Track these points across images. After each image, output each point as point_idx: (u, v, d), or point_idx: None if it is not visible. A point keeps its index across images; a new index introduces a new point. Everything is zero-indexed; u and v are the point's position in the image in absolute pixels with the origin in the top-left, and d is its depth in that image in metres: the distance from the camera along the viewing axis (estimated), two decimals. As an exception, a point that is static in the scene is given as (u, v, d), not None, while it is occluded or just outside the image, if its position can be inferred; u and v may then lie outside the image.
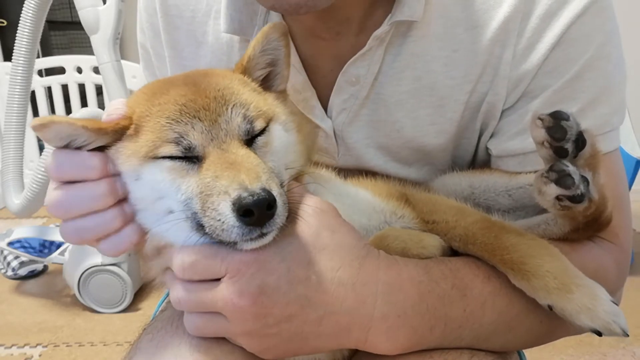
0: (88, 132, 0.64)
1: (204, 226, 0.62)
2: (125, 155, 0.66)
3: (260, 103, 0.70)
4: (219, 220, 0.60)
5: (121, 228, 0.67)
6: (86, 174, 0.65)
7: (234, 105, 0.66)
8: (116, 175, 0.67)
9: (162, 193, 0.65)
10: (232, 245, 0.63)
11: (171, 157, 0.64)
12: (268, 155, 0.68)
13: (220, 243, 0.63)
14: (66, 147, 0.66)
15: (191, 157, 0.64)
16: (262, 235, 0.62)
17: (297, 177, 0.73)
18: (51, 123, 0.62)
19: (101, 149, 0.67)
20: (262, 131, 0.68)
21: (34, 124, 0.62)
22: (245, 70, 0.73)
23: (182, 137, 0.64)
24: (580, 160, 0.69)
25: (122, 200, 0.67)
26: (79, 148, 0.66)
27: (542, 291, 0.67)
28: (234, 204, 0.58)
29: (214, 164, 0.62)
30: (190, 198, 0.63)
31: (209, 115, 0.65)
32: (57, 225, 2.99)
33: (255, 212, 0.58)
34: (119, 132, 0.66)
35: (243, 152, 0.64)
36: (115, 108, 0.67)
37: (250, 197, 0.58)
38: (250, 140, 0.67)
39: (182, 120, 0.64)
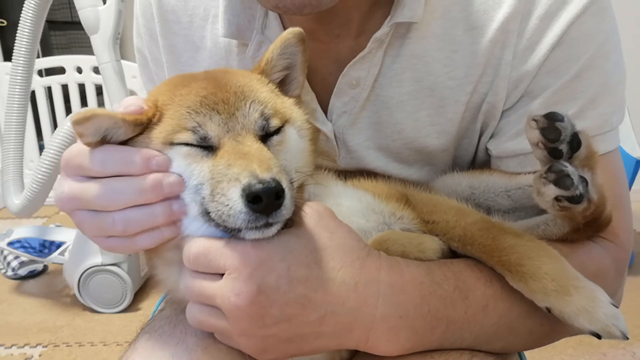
0: (127, 124, 0.66)
1: (209, 213, 0.63)
2: (147, 143, 0.67)
3: (278, 104, 0.72)
4: (227, 205, 0.61)
5: (165, 224, 0.67)
6: (131, 169, 0.66)
7: (252, 101, 0.69)
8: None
9: None
10: (236, 233, 0.63)
11: (187, 144, 0.66)
12: (281, 153, 0.70)
13: (225, 231, 0.64)
14: (100, 142, 0.66)
15: (206, 147, 0.66)
16: (268, 225, 0.63)
17: (300, 185, 0.73)
18: (94, 116, 0.63)
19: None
20: (278, 131, 0.70)
21: (77, 117, 0.63)
22: (263, 72, 0.76)
23: (200, 127, 0.66)
24: (575, 161, 0.69)
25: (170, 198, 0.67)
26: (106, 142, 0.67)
27: (540, 293, 0.66)
28: (243, 190, 0.60)
29: (228, 153, 0.64)
30: (201, 183, 0.65)
31: (227, 109, 0.67)
32: (58, 225, 2.99)
33: (264, 199, 0.60)
34: (149, 122, 0.68)
35: (257, 145, 0.66)
36: (131, 103, 0.68)
37: (260, 185, 0.60)
38: (265, 137, 0.69)
39: (201, 111, 0.67)
